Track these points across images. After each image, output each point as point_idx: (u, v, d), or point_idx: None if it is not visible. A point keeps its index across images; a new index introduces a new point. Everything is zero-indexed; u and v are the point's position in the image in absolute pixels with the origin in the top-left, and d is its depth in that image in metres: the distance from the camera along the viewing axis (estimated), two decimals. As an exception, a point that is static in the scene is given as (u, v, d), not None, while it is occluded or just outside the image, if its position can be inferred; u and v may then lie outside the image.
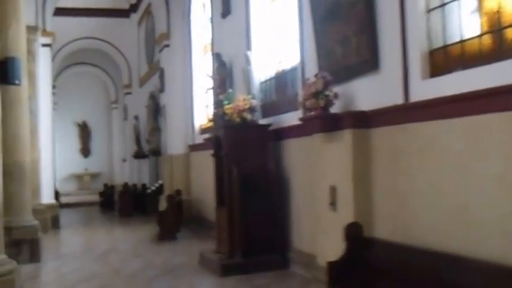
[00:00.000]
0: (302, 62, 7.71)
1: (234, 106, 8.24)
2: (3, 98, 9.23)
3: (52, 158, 16.05)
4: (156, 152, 17.76)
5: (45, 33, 14.86)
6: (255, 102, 8.38)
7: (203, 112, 13.93)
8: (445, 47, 5.05)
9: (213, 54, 11.82)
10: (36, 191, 13.28)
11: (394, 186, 5.53)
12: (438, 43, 5.16)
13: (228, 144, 8.17)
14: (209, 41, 12.67)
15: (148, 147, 19.01)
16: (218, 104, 9.05)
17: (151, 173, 20.15)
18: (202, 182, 13.40)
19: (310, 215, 7.52)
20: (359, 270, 5.14)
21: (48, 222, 13.54)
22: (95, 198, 22.38)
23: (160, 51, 15.82)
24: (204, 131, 13.65)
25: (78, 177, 28.47)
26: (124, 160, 24.92)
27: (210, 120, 10.42)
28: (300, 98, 6.76)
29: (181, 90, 14.74)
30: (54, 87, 21.76)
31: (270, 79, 9.14)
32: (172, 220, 11.90)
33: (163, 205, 14.17)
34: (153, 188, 17.96)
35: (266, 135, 8.32)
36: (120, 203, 18.05)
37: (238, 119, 8.18)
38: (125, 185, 19.79)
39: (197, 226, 13.26)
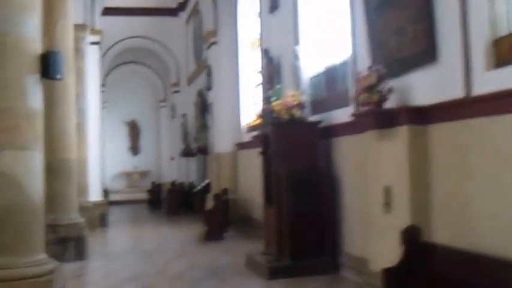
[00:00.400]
0: (354, 55, 7.34)
1: (282, 102, 7.93)
2: (48, 94, 9.17)
3: (100, 156, 16.10)
4: (204, 150, 17.63)
5: (93, 31, 14.90)
6: (304, 98, 8.06)
7: (251, 110, 13.67)
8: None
9: (261, 50, 11.54)
10: (83, 189, 13.30)
11: (456, 187, 5.12)
12: (503, 31, 4.73)
13: (276, 142, 7.87)
14: (257, 36, 12.39)
15: (196, 146, 18.88)
16: (266, 100, 8.76)
17: (199, 171, 20.03)
18: (250, 180, 13.15)
19: (362, 217, 7.17)
20: (418, 277, 4.76)
21: (95, 220, 13.54)
22: (143, 196, 22.41)
23: (208, 48, 15.65)
24: (251, 128, 13.39)
25: (128, 175, 28.51)
26: (172, 158, 24.90)
27: (258, 118, 10.11)
28: (352, 93, 6.40)
29: (228, 87, 14.52)
30: (103, 85, 22.01)
31: (319, 74, 8.79)
32: (219, 220, 11.68)
33: (210, 204, 13.99)
34: (201, 186, 17.81)
35: (316, 132, 7.99)
36: (168, 201, 17.99)
37: (286, 116, 7.87)
38: (173, 183, 19.78)
39: (244, 226, 13.02)
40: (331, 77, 8.37)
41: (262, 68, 10.88)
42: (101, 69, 20.85)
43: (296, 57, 8.37)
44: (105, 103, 24.30)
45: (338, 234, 7.88)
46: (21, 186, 4.96)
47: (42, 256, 5.15)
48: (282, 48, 10.18)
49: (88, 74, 14.12)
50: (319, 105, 8.59)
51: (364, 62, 6.93)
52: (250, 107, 13.72)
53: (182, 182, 20.42)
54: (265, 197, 8.48)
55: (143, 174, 28.37)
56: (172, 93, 24.03)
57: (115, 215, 17.81)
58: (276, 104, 8.03)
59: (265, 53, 10.50)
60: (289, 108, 7.86)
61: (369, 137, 6.40)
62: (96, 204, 14.08)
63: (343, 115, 7.67)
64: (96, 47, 15.04)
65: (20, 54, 5.00)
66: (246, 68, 13.87)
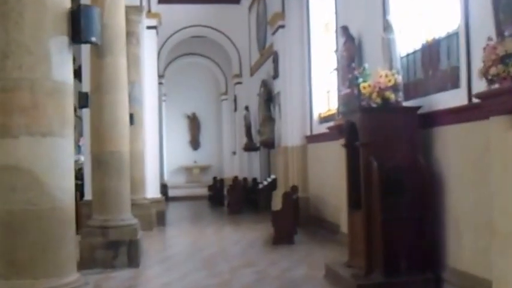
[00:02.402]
0: (466, 24, 5.85)
1: (373, 84, 6.50)
2: (96, 75, 8.05)
3: (159, 150, 15.05)
4: (269, 144, 16.29)
5: (150, 14, 13.80)
6: (400, 79, 6.60)
7: (324, 98, 12.24)
8: None
9: (337, 29, 10.12)
10: (140, 185, 12.24)
11: None
12: None
13: (366, 132, 6.45)
14: (331, 15, 10.94)
15: (259, 139, 17.59)
16: (351, 83, 7.35)
17: (263, 167, 18.78)
18: (322, 177, 11.77)
19: (476, 224, 5.72)
20: None
21: (152, 219, 12.46)
22: (204, 191, 21.29)
23: (274, 33, 14.27)
24: (324, 119, 12.00)
25: (187, 170, 27.80)
26: (234, 153, 23.87)
27: (340, 105, 8.65)
28: (476, 67, 4.91)
29: (298, 74, 13.15)
30: (162, 77, 21.14)
31: (414, 52, 7.31)
32: (288, 221, 10.32)
33: (276, 202, 12.70)
34: (266, 183, 16.51)
35: (414, 120, 6.53)
36: (230, 198, 16.75)
37: (379, 100, 6.44)
38: (235, 179, 18.55)
39: (316, 228, 11.65)
40: (431, 54, 6.87)
41: (338, 49, 9.43)
42: (158, 57, 20.19)
43: (389, 29, 6.90)
44: (164, 96, 23.61)
45: (442, 246, 6.40)
46: (43, 184, 3.66)
47: (73, 277, 3.85)
48: (365, 23, 8.76)
49: (145, 61, 13.01)
50: (415, 88, 7.12)
51: (483, 32, 5.45)
52: (322, 96, 12.30)
53: (245, 178, 19.16)
54: (350, 198, 7.08)
55: (203, 169, 27.61)
56: (235, 84, 22.84)
57: (174, 212, 16.75)
58: (365, 85, 6.60)
59: (344, 31, 9.05)
60: (382, 90, 6.43)
61: (496, 124, 4.91)
62: (154, 202, 12.98)
63: (449, 99, 6.22)
64: (153, 31, 13.89)
65: (42, 7, 3.73)
66: (318, 52, 12.44)
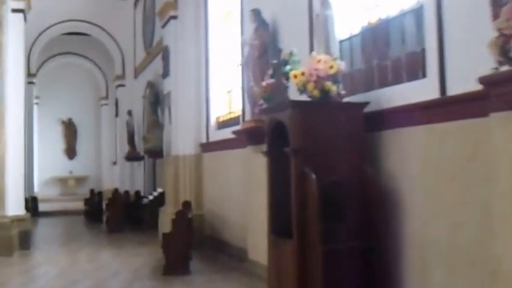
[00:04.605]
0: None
1: (308, 71, 4.89)
2: None
3: (26, 158, 12.68)
4: (155, 153, 14.32)
5: (16, -5, 11.48)
6: (344, 66, 5.05)
7: (224, 100, 10.56)
8: None
9: (242, 15, 8.49)
10: (-2, 200, 9.95)
11: None
12: None
13: (299, 134, 4.81)
14: (235, 1, 9.29)
15: (144, 147, 15.57)
16: (276, 71, 5.72)
17: (148, 179, 16.78)
18: (222, 191, 10.06)
19: (450, 258, 4.30)
20: None
21: (13, 241, 10.26)
22: (80, 205, 18.90)
23: (164, 25, 12.40)
24: (223, 124, 10.32)
25: (62, 181, 25.36)
26: (114, 163, 21.67)
27: (260, 97, 6.89)
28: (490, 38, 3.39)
29: (192, 72, 11.38)
30: (33, 75, 18.74)
31: (350, 38, 5.82)
32: (183, 246, 8.49)
33: (165, 221, 10.86)
34: (151, 197, 14.52)
35: (360, 120, 5.00)
36: (109, 214, 14.58)
37: (316, 92, 4.85)
38: (115, 192, 16.35)
39: (214, 252, 9.91)
40: (375, 38, 5.41)
41: (246, 38, 7.79)
42: (30, 53, 17.76)
43: (326, 4, 5.32)
44: (36, 99, 21.18)
45: (402, 285, 4.89)
46: None
47: None
48: (282, 5, 7.20)
49: (8, 49, 10.72)
50: (351, 81, 5.61)
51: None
52: (222, 97, 10.62)
53: (127, 191, 17.04)
54: (273, 222, 5.41)
55: (80, 180, 25.33)
56: (116, 87, 20.64)
57: (43, 231, 14.36)
58: (296, 73, 4.99)
59: (256, 15, 7.43)
60: (321, 79, 4.85)
61: (502, 124, 3.45)
62: (16, 220, 10.66)
63: (408, 93, 4.75)
64: (19, 16, 11.54)
65: None
66: (218, 45, 10.76)
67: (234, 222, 9.30)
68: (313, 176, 4.64)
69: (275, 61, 5.87)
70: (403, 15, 5.06)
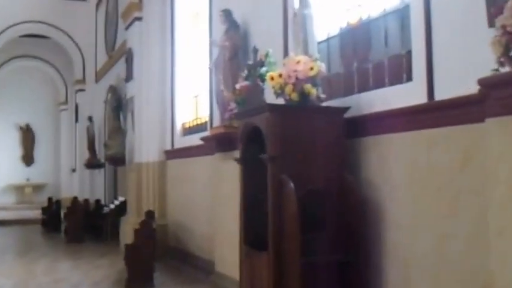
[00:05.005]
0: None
1: (286, 73, 4.59)
2: None
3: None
4: (117, 160, 13.84)
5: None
6: (324, 68, 4.77)
7: (190, 105, 10.19)
8: None
9: (211, 16, 8.17)
10: None
11: None
12: None
13: (277, 140, 4.49)
14: (204, 1, 8.95)
15: (106, 154, 15.05)
16: (251, 73, 5.40)
17: (108, 187, 16.27)
18: (187, 200, 9.69)
19: (436, 273, 4.01)
20: None
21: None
22: (37, 214, 18.21)
23: (128, 27, 12.00)
24: (189, 130, 9.97)
25: (18, 189, 24.51)
26: (73, 170, 20.95)
27: (231, 99, 6.52)
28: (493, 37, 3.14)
29: (157, 76, 10.99)
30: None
31: (328, 39, 5.56)
32: (147, 257, 8.09)
33: (127, 230, 10.43)
34: (112, 206, 14.00)
35: (341, 126, 4.72)
36: (68, 223, 14.03)
37: (295, 95, 4.55)
38: (74, 201, 15.79)
39: (178, 263, 9.52)
40: (355, 40, 5.16)
41: (216, 39, 7.46)
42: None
43: (304, 3, 5.02)
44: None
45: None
46: None
47: None
48: (253, 6, 6.91)
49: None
50: (329, 85, 5.32)
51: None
52: (189, 102, 10.24)
53: (86, 200, 16.47)
54: (246, 233, 5.08)
55: (37, 188, 24.54)
56: (76, 92, 20.04)
57: (-3, 241, 13.73)
58: (273, 75, 4.68)
59: (226, 15, 7.12)
60: (301, 82, 4.55)
61: (503, 130, 3.21)
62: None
63: (391, 98, 4.49)
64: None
65: None
66: (185, 48, 10.39)
67: (200, 233, 8.92)
68: (292, 185, 4.33)
69: (250, 62, 5.54)
70: (385, 16, 4.81)
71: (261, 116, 4.62)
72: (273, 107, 4.54)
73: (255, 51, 5.14)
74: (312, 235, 4.49)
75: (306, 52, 4.87)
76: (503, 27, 2.86)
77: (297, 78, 4.53)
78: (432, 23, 4.07)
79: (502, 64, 2.95)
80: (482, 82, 3.03)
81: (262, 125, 4.62)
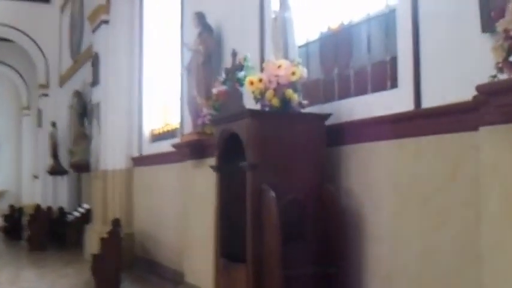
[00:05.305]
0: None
1: (267, 78, 4.41)
2: None
3: None
4: (82, 167, 13.46)
5: None
6: (306, 73, 4.60)
7: (159, 110, 9.93)
8: None
9: (183, 20, 7.96)
10: None
11: None
12: None
13: (257, 147, 4.30)
14: (176, 3, 8.72)
15: (70, 161, 14.65)
16: (229, 77, 5.19)
17: (72, 195, 15.82)
18: (155, 209, 9.41)
19: (420, 285, 3.84)
20: None
21: None
22: (-2, 222, 17.70)
23: (95, 30, 11.69)
24: (158, 137, 9.71)
25: (-23, 196, 23.73)
26: (36, 177, 20.36)
27: (206, 104, 6.29)
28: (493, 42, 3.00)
29: (125, 80, 10.70)
30: None
31: (307, 44, 5.40)
32: (114, 267, 7.81)
33: (91, 239, 10.12)
34: (76, 214, 13.61)
35: (322, 133, 4.56)
36: (31, 231, 13.60)
37: (276, 101, 4.37)
38: (37, 208, 15.32)
39: (144, 273, 9.23)
40: (337, 46, 5.01)
41: (189, 43, 7.24)
42: None
43: (284, 6, 4.85)
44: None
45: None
46: None
47: None
48: (228, 9, 6.73)
49: None
50: (308, 92, 5.14)
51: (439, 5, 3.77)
52: (158, 107, 9.99)
53: (49, 207, 16.00)
54: (223, 245, 4.87)
55: (-2, 195, 23.76)
56: (39, 97, 19.49)
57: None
58: (253, 80, 4.49)
59: (200, 19, 6.92)
60: (282, 87, 4.37)
61: (496, 140, 3.09)
62: None
63: (378, 105, 4.34)
64: None
65: None
66: (155, 52, 10.14)
67: (168, 243, 8.66)
68: (273, 194, 4.15)
69: (228, 66, 5.34)
70: (368, 20, 4.68)
71: (240, 122, 4.43)
72: (254, 113, 4.34)
73: (234, 54, 4.94)
74: (292, 246, 4.31)
75: (286, 56, 4.70)
76: (506, 31, 2.73)
77: (278, 83, 4.35)
78: (420, 27, 3.93)
79: (501, 70, 2.82)
80: (481, 89, 2.89)
81: (241, 131, 4.43)
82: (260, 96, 4.46)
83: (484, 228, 3.21)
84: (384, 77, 4.38)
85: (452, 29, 3.66)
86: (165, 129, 9.38)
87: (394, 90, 4.23)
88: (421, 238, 3.88)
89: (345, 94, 4.80)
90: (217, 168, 4.91)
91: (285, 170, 4.37)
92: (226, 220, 4.87)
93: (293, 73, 4.36)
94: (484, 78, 2.97)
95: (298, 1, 5.32)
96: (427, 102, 3.86)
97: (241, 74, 4.90)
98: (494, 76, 2.88)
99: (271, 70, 4.44)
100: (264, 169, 4.29)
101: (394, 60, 4.26)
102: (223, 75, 5.46)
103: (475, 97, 3.17)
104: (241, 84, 4.76)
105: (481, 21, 3.33)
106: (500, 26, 2.77)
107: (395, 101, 4.14)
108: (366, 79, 4.58)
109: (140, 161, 10.30)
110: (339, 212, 4.42)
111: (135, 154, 10.51)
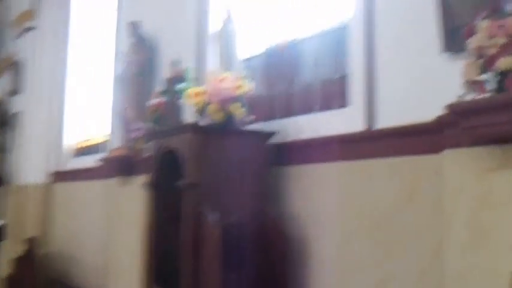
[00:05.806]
0: (368, 10, 3.81)
1: (211, 91, 4.09)
2: None
3: None
4: (-4, 180, 12.62)
5: None
6: (252, 86, 4.31)
7: (84, 123, 9.39)
8: None
9: (118, 28, 7.54)
10: None
11: None
12: None
13: (197, 165, 3.95)
14: (112, 11, 8.27)
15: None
16: (170, 89, 4.82)
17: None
18: (76, 227, 8.81)
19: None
20: None
21: None
22: None
23: (19, 37, 11.03)
24: (82, 151, 9.16)
25: None
26: None
27: (139, 119, 5.87)
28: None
29: (47, 91, 10.07)
30: None
31: (249, 59, 5.13)
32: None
33: (3, 257, 9.38)
34: (-12, 230, 12.70)
35: (266, 152, 4.27)
36: None
37: (220, 116, 4.05)
38: None
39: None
40: (281, 62, 4.76)
41: (123, 53, 6.84)
42: None
43: (228, 20, 4.56)
44: None
45: None
46: None
47: None
48: (165, 18, 6.39)
49: None
50: (252, 108, 4.86)
51: (394, 21, 3.59)
52: (82, 120, 9.44)
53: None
54: (155, 271, 4.46)
55: None
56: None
57: None
58: (196, 92, 4.16)
59: (134, 28, 6.55)
60: (226, 101, 4.06)
61: (462, 164, 2.89)
62: None
63: (325, 125, 4.10)
64: None
65: None
66: (84, 61, 9.60)
67: (90, 265, 8.08)
68: (214, 217, 3.81)
69: (167, 77, 4.98)
70: (317, 37, 4.46)
71: (180, 137, 4.07)
72: (196, 128, 4.00)
73: (176, 64, 4.60)
74: (231, 275, 3.97)
75: (229, 69, 4.40)
76: (479, 48, 2.54)
77: (222, 97, 4.04)
78: (375, 44, 3.73)
79: (472, 89, 2.63)
80: (454, 108, 2.66)
81: (181, 147, 4.07)
82: (202, 110, 4.13)
83: (447, 257, 2.99)
84: (332, 95, 4.16)
85: (410, 48, 3.49)
86: (91, 143, 8.84)
87: (344, 110, 4.00)
88: (373, 267, 3.63)
89: (291, 112, 4.55)
90: (152, 186, 4.52)
91: (226, 191, 4.04)
92: (160, 244, 4.48)
93: (238, 87, 4.06)
94: (444, 99, 2.76)
95: (245, 15, 5.05)
96: (382, 123, 3.65)
97: (181, 86, 4.56)
98: (463, 96, 2.68)
99: (214, 83, 4.13)
100: (205, 189, 3.95)
101: (344, 78, 4.05)
102: (163, 86, 5.09)
103: (439, 117, 2.98)
104: (180, 97, 4.42)
105: (440, 41, 3.17)
106: (471, 43, 2.58)
107: (345, 121, 3.92)
108: (314, 97, 4.35)
109: (62, 176, 9.66)
110: (281, 238, 4.12)
111: (56, 169, 9.87)
